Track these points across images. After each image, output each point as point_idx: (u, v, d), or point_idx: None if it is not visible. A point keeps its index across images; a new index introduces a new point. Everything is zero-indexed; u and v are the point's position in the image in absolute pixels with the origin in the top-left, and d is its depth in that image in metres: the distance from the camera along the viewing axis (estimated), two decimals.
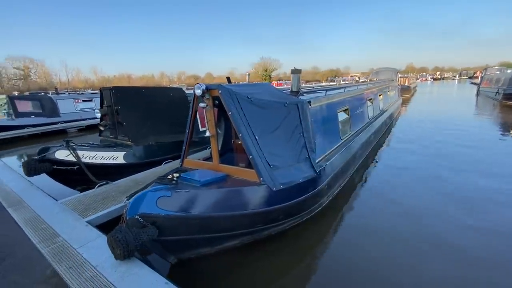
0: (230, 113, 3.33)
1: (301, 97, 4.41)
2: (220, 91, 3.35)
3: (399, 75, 24.90)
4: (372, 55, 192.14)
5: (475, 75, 55.53)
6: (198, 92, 3.41)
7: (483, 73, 30.65)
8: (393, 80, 16.00)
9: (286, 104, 3.87)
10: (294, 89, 4.58)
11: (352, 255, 3.60)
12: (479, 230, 3.98)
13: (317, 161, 4.17)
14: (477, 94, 27.75)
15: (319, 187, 4.01)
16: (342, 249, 3.79)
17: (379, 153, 8.19)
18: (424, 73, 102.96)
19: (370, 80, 15.68)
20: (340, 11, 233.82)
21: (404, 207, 4.75)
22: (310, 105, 4.25)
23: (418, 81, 68.70)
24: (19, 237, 3.38)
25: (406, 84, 29.47)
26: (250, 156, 3.29)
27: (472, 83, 48.64)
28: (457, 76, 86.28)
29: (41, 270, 2.74)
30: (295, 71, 4.56)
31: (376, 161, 7.44)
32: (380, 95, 10.35)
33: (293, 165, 3.72)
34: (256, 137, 3.41)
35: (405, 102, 22.83)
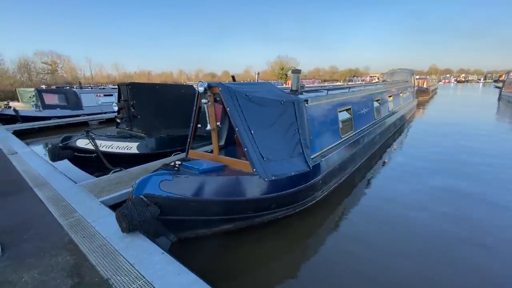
0: (228, 109, 3.66)
1: (299, 96, 4.68)
2: (220, 89, 3.69)
3: (417, 77, 24.34)
4: (393, 55, 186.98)
5: (500, 79, 52.95)
6: (201, 89, 3.76)
7: (506, 77, 29.26)
8: (407, 81, 15.78)
9: (282, 102, 4.15)
10: (294, 88, 4.85)
11: (340, 246, 3.85)
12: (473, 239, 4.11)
13: (312, 157, 4.42)
14: (499, 99, 26.52)
15: (312, 181, 4.27)
16: (331, 240, 4.03)
17: (386, 154, 8.26)
18: (448, 75, 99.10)
19: (383, 81, 15.56)
20: (361, 9, 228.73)
21: (400, 212, 4.73)
22: (307, 103, 4.51)
23: (440, 83, 66.39)
24: (42, 212, 3.88)
25: (425, 86, 28.68)
26: (245, 149, 3.61)
27: (496, 86, 46.48)
28: (481, 79, 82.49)
29: (60, 238, 3.19)
30: (295, 71, 4.84)
31: (382, 162, 7.53)
32: (390, 96, 10.35)
33: (287, 159, 4.00)
34: (252, 132, 3.72)
35: (422, 104, 22.35)
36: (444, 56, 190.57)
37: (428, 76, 44.82)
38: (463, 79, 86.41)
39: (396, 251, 3.69)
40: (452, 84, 73.72)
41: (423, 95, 26.19)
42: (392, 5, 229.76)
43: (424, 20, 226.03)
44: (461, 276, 3.19)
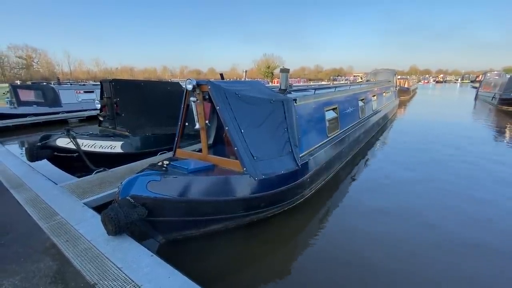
0: (218, 107, 3.61)
1: (288, 95, 4.69)
2: (209, 87, 3.63)
3: (399, 77, 25.08)
4: (376, 55, 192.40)
5: (476, 79, 55.73)
6: (189, 87, 3.69)
7: (483, 77, 30.75)
8: (390, 81, 16.21)
9: (272, 101, 4.15)
10: (282, 87, 4.85)
11: (329, 242, 3.90)
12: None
13: (301, 155, 4.45)
14: (476, 98, 27.86)
15: (300, 179, 4.30)
16: (320, 237, 4.08)
17: (370, 152, 8.46)
18: (427, 75, 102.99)
19: (367, 80, 15.91)
20: (342, 10, 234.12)
21: (386, 208, 4.89)
22: (295, 102, 4.53)
23: (420, 83, 68.80)
24: (20, 215, 3.68)
25: (406, 86, 29.61)
26: (235, 148, 3.58)
27: (473, 87, 48.74)
28: (459, 79, 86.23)
29: (41, 242, 3.04)
30: (284, 70, 4.83)
31: (366, 160, 7.71)
32: (373, 96, 10.59)
33: (276, 157, 4.01)
34: (242, 130, 3.69)
35: (403, 103, 23.06)
36: (422, 56, 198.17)
37: (408, 77, 46.30)
38: (441, 80, 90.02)
39: (383, 243, 3.80)
40: (431, 84, 76.54)
41: (405, 94, 27.06)
42: (363, 7, 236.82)
43: (397, 22, 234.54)
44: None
